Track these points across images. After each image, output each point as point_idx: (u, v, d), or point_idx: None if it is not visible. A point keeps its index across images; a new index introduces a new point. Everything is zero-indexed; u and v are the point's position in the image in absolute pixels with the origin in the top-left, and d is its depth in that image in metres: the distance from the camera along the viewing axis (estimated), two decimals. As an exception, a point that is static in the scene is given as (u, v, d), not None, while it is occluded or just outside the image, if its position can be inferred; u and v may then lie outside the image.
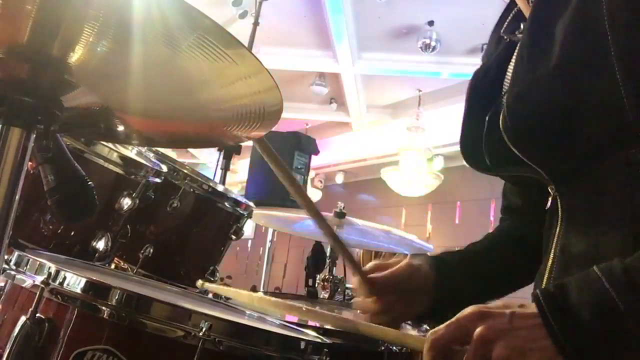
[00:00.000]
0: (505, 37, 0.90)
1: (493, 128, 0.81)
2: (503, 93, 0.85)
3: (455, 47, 5.26)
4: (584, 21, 0.70)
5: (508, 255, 1.04)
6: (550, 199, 0.82)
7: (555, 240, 0.78)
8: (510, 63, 0.86)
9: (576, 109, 0.70)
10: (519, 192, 1.05)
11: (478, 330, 0.61)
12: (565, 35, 0.71)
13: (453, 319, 0.64)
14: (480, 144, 0.86)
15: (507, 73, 0.87)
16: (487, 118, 0.83)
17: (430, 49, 5.06)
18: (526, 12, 0.85)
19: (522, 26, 0.87)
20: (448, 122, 6.43)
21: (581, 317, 0.58)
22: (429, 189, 6.41)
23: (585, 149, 0.72)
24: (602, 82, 0.68)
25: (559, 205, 0.78)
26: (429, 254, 1.01)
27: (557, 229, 0.78)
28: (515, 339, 0.59)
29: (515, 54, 0.84)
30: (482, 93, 0.91)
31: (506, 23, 0.92)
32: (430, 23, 4.98)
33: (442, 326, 0.64)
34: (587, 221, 0.74)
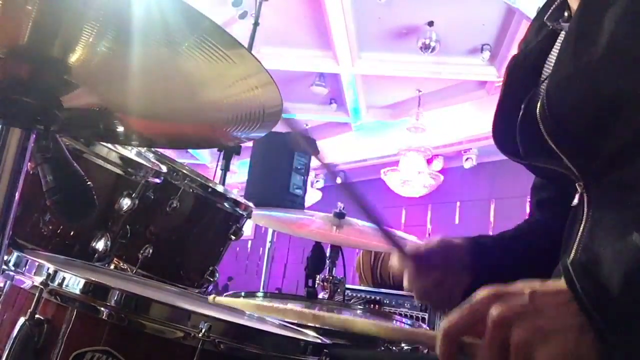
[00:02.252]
0: (548, 25, 0.88)
1: (529, 116, 0.79)
2: (542, 80, 0.84)
3: (455, 48, 5.25)
4: (637, 12, 0.68)
5: (536, 245, 1.01)
6: (577, 195, 0.80)
7: (578, 237, 0.76)
8: (552, 52, 0.86)
9: (617, 101, 0.68)
10: (549, 187, 1.02)
11: (494, 312, 0.54)
12: (617, 25, 0.69)
13: (466, 305, 0.57)
14: (513, 130, 0.84)
15: (548, 61, 0.86)
16: (523, 105, 0.82)
17: (430, 50, 5.06)
18: (573, 1, 0.83)
19: (565, 15, 0.86)
20: (448, 122, 6.44)
21: (612, 286, 0.53)
22: (428, 189, 6.41)
23: (621, 144, 0.70)
24: None
25: (585, 203, 0.77)
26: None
27: (582, 226, 0.76)
28: (537, 320, 0.53)
29: (558, 41, 0.83)
30: (519, 79, 0.89)
31: (550, 11, 0.90)
32: (430, 24, 4.98)
33: (454, 314, 0.57)
34: (614, 221, 0.72)
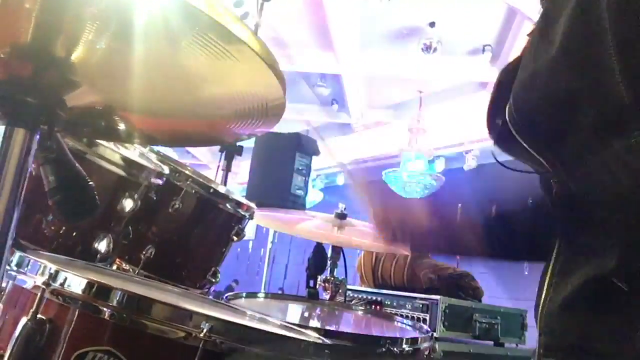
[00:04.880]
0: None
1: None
2: None
3: (456, 49, 5.25)
4: (586, 9, 0.71)
5: None
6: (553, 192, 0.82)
7: (559, 235, 0.79)
8: None
9: (573, 100, 0.71)
10: None
11: None
12: (568, 24, 0.72)
13: None
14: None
15: None
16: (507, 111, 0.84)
17: (432, 50, 5.06)
18: None
19: None
20: (449, 123, 6.43)
21: None
22: (430, 190, 6.40)
23: (583, 135, 0.73)
24: (600, 69, 0.68)
25: (559, 199, 0.79)
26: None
27: (560, 223, 0.79)
28: None
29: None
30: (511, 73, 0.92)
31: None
32: (432, 24, 4.97)
33: None
34: (587, 214, 0.75)
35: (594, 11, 0.69)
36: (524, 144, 0.78)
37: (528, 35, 0.90)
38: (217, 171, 2.79)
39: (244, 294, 1.91)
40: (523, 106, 0.77)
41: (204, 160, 8.87)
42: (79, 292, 0.83)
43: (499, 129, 0.86)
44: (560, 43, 0.72)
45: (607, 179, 0.70)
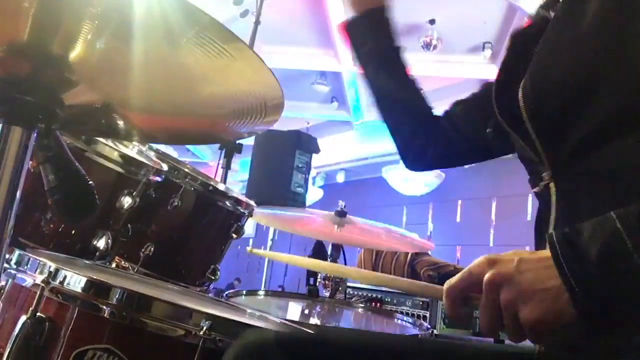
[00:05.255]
0: (541, 12, 0.90)
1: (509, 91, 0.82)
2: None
3: (456, 46, 5.25)
4: None
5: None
6: (541, 184, 0.82)
7: (552, 227, 0.78)
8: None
9: (594, 81, 0.71)
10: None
11: (486, 277, 0.63)
12: (601, 6, 0.72)
13: (466, 269, 0.67)
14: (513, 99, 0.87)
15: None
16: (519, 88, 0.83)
17: (432, 48, 5.05)
18: None
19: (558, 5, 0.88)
20: (449, 120, 6.42)
21: (590, 254, 0.58)
22: (430, 187, 6.40)
23: (589, 129, 0.72)
24: (625, 59, 0.69)
25: (554, 192, 0.78)
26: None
27: (553, 216, 0.78)
28: (520, 283, 0.61)
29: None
30: (515, 58, 0.92)
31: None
32: (432, 22, 4.97)
33: (456, 276, 0.67)
34: (587, 211, 0.73)
35: None
36: (530, 126, 0.77)
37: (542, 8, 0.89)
38: (217, 168, 2.79)
39: (244, 292, 1.91)
40: (542, 84, 0.76)
41: (204, 158, 8.87)
42: (79, 290, 0.83)
43: (500, 100, 0.86)
44: (592, 20, 0.71)
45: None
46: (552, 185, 0.79)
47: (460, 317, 0.69)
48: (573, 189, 0.76)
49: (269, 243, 4.11)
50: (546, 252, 0.62)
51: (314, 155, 4.26)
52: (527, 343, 0.73)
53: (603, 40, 0.71)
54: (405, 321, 1.80)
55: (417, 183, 6.37)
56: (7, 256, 0.89)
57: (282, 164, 3.98)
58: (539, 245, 0.83)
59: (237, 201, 1.66)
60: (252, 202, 1.72)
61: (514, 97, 0.80)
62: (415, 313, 2.61)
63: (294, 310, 1.87)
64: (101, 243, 1.33)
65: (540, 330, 0.61)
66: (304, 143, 4.15)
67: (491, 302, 0.63)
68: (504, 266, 0.62)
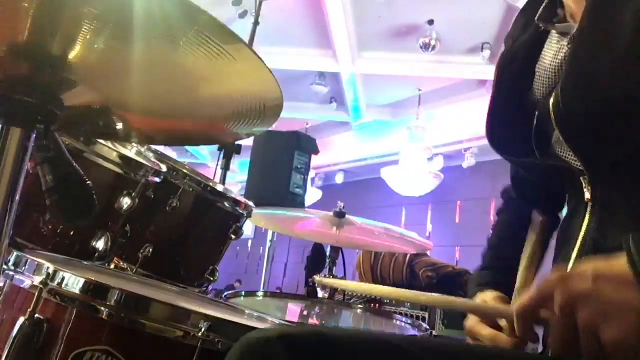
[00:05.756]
0: (541, 26, 0.87)
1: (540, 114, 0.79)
2: (535, 89, 0.84)
3: (455, 47, 5.25)
4: None
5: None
6: (576, 188, 0.79)
7: (582, 233, 0.76)
8: (544, 52, 0.85)
9: (635, 104, 0.67)
10: (538, 185, 1.00)
11: (560, 297, 0.58)
12: (637, 24, 0.67)
13: (536, 287, 0.63)
14: (509, 130, 0.85)
15: (541, 61, 0.85)
16: (538, 105, 0.81)
17: (431, 49, 5.06)
18: None
19: (559, 13, 0.85)
20: (448, 121, 6.43)
21: None
22: (429, 188, 6.40)
23: (634, 147, 0.70)
24: None
25: (591, 197, 0.76)
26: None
27: (586, 222, 0.76)
28: (599, 303, 0.56)
29: (549, 41, 0.83)
30: (510, 79, 0.89)
31: (540, 10, 0.88)
32: (431, 22, 4.97)
33: (525, 296, 0.63)
34: (627, 217, 0.71)
35: None
36: (567, 144, 0.74)
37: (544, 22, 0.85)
38: (216, 170, 2.79)
39: (242, 293, 1.91)
40: (575, 106, 0.72)
41: (203, 159, 8.87)
42: (77, 291, 0.83)
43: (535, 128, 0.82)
44: (629, 43, 0.67)
45: None
46: (590, 189, 0.76)
47: (534, 339, 0.65)
48: (614, 196, 0.74)
49: (268, 245, 4.10)
50: (622, 264, 0.57)
51: (313, 156, 4.26)
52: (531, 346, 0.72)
53: None
54: (404, 322, 1.80)
55: (416, 184, 6.37)
56: (5, 257, 0.89)
57: (281, 165, 3.98)
58: (563, 246, 0.81)
59: (236, 202, 1.66)
60: (251, 203, 1.72)
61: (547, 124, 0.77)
62: (414, 314, 2.61)
63: (293, 312, 1.87)
64: (100, 244, 1.33)
65: (625, 352, 0.56)
66: (303, 144, 4.15)
67: (567, 325, 0.58)
68: (579, 284, 0.58)
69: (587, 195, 0.77)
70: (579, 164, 0.77)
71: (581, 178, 0.79)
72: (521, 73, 0.87)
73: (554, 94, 0.76)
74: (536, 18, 0.87)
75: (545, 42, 0.87)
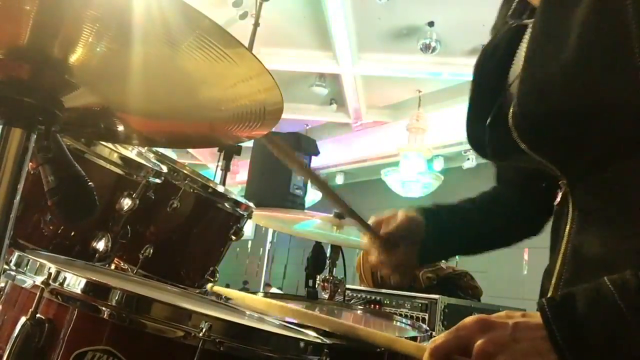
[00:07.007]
0: (511, 23, 0.85)
1: (500, 119, 0.77)
2: (509, 83, 0.81)
3: (455, 48, 5.26)
4: (604, 14, 0.64)
5: (493, 223, 1.10)
6: (560, 193, 0.79)
7: (565, 238, 0.75)
8: (519, 50, 0.83)
9: (593, 108, 0.65)
10: (523, 179, 1.01)
11: (478, 343, 0.59)
12: (583, 28, 0.65)
13: (453, 329, 0.62)
14: (488, 127, 0.83)
15: (516, 59, 0.83)
16: (493, 110, 0.81)
17: (431, 50, 5.06)
18: None
19: (528, 11, 0.83)
20: (448, 123, 6.43)
21: (590, 332, 0.55)
22: (429, 189, 6.41)
23: (602, 148, 0.68)
24: (625, 81, 0.63)
25: (571, 202, 0.75)
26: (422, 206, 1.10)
27: (568, 227, 0.74)
28: (516, 353, 0.57)
29: (525, 39, 0.80)
30: (487, 78, 0.88)
31: (514, 5, 0.87)
32: (431, 24, 4.98)
33: (441, 335, 0.63)
34: (604, 222, 0.70)
35: (615, 13, 0.62)
36: (531, 153, 0.73)
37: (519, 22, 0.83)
38: (216, 171, 2.80)
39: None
40: (534, 115, 0.71)
41: (203, 160, 8.87)
42: (78, 291, 0.83)
43: (493, 132, 0.81)
44: (576, 49, 0.65)
45: None
46: (569, 194, 0.75)
47: None
48: (592, 201, 0.72)
49: (268, 245, 4.11)
50: (540, 319, 0.59)
51: (313, 157, 4.26)
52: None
53: (595, 67, 0.64)
54: (404, 323, 1.80)
55: (416, 185, 6.37)
56: (6, 257, 0.89)
57: (281, 166, 3.97)
58: (553, 251, 0.80)
59: (236, 203, 1.66)
60: (251, 204, 1.73)
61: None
62: (414, 315, 2.61)
63: (293, 312, 1.87)
64: (101, 245, 1.34)
65: None
66: (303, 145, 4.16)
67: None
68: (498, 333, 0.59)
69: (568, 199, 0.76)
70: (553, 167, 0.76)
71: (560, 182, 0.78)
72: (498, 72, 0.85)
73: (512, 104, 0.73)
74: (508, 14, 0.87)
75: (524, 34, 0.84)
